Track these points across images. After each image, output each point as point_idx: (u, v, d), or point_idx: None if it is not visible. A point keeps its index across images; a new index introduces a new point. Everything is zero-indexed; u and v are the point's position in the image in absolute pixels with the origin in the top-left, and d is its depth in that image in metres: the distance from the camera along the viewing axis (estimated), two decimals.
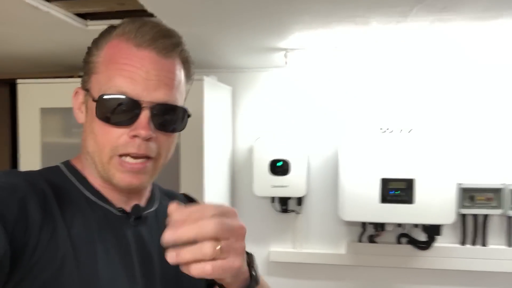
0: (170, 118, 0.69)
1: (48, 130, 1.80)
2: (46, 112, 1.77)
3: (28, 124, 1.76)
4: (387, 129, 1.78)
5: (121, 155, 0.67)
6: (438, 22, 1.26)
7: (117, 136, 0.66)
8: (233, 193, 2.01)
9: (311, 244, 1.96)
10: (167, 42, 0.67)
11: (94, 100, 0.67)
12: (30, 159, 1.75)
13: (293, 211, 1.94)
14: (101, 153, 0.68)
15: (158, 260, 0.73)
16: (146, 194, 0.80)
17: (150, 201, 0.79)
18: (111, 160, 0.67)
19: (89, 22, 1.34)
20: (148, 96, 0.65)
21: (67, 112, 1.83)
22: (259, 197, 1.94)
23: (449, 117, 1.82)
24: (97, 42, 0.71)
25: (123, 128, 0.66)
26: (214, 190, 1.74)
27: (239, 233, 0.56)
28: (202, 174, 1.59)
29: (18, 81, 1.77)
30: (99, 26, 1.33)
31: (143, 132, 0.65)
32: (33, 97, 1.76)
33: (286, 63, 1.68)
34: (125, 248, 0.70)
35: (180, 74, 0.71)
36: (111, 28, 0.71)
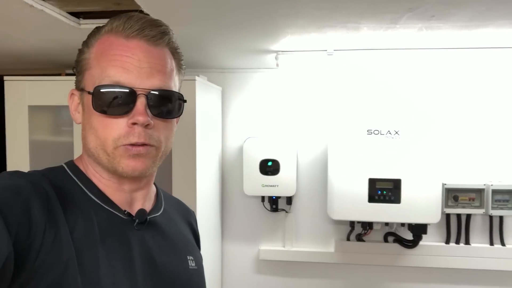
0: (166, 104, 0.69)
1: (36, 128, 1.78)
2: (34, 109, 1.75)
3: (15, 122, 1.73)
4: (375, 130, 1.82)
5: (124, 145, 0.67)
6: (426, 29, 1.30)
7: (116, 127, 0.66)
8: (224, 193, 2.03)
9: (300, 242, 1.99)
10: (155, 31, 0.68)
11: (89, 93, 0.67)
12: (17, 157, 1.73)
13: (283, 210, 1.97)
14: (105, 146, 0.67)
15: (162, 265, 0.72)
16: (152, 197, 0.79)
17: (156, 205, 0.79)
18: (115, 150, 0.67)
19: (82, 21, 1.33)
20: (142, 83, 0.66)
21: (55, 110, 1.82)
22: (249, 196, 1.96)
23: (435, 119, 1.88)
24: (87, 41, 0.72)
25: (121, 118, 0.66)
26: (205, 189, 1.76)
27: None
28: (195, 173, 1.60)
29: (6, 78, 1.74)
30: (92, 25, 1.32)
31: (141, 118, 0.65)
32: (21, 95, 1.73)
33: (277, 65, 1.70)
34: (128, 252, 0.69)
35: (172, 63, 0.72)
36: (99, 27, 0.72)
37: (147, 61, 0.67)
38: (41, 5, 1.13)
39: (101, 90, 0.66)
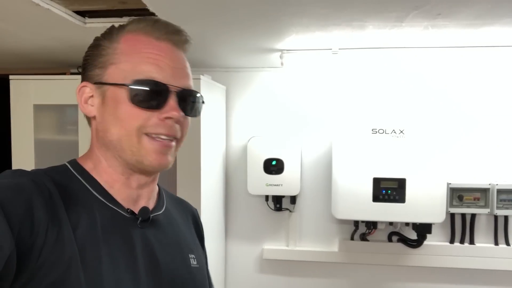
0: (192, 103, 0.74)
1: (41, 127, 1.79)
2: (39, 108, 1.76)
3: (21, 121, 1.74)
4: (380, 129, 1.82)
5: (148, 134, 0.69)
6: (432, 28, 1.30)
7: (146, 118, 0.69)
8: (228, 192, 2.03)
9: (304, 242, 1.98)
10: (181, 37, 0.73)
11: (123, 85, 0.68)
12: (23, 156, 1.74)
13: (286, 209, 1.97)
14: (130, 136, 0.69)
15: (165, 263, 0.73)
16: (154, 196, 0.80)
17: (158, 204, 0.80)
18: (141, 140, 0.69)
19: (88, 20, 1.33)
20: (175, 81, 0.70)
21: (60, 108, 1.83)
22: (253, 195, 1.96)
23: (440, 119, 1.87)
24: (107, 36, 0.72)
25: (152, 111, 0.69)
26: (209, 188, 1.76)
27: None
28: (199, 172, 1.61)
29: (11, 77, 1.75)
30: (98, 24, 1.33)
31: (176, 114, 0.69)
32: (26, 94, 1.74)
33: (282, 64, 1.70)
34: (131, 250, 0.69)
35: (189, 68, 0.76)
36: (119, 26, 0.73)
37: (177, 62, 0.72)
38: (47, 3, 1.14)
39: (137, 83, 0.68)
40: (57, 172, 0.71)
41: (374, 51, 1.62)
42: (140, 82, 0.68)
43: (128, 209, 0.72)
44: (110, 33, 0.73)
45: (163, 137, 0.70)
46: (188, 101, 0.72)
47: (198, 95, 0.75)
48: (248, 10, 1.16)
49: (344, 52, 1.62)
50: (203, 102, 0.77)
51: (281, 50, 1.64)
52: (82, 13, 1.30)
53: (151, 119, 0.69)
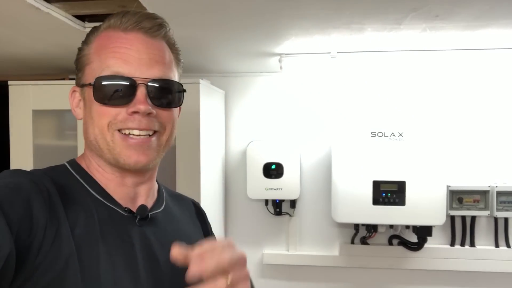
0: (167, 93, 0.70)
1: (40, 132, 1.78)
2: (38, 114, 1.76)
3: (19, 126, 1.74)
4: (379, 133, 1.82)
5: (120, 130, 0.68)
6: (430, 30, 1.31)
7: (115, 114, 0.67)
8: (227, 196, 2.02)
9: (304, 246, 1.98)
10: (152, 23, 0.70)
11: (90, 85, 0.68)
12: (21, 161, 1.73)
13: (286, 213, 1.96)
14: (103, 134, 0.68)
15: (164, 262, 0.72)
16: (154, 193, 0.79)
17: (157, 202, 0.79)
18: (113, 138, 0.68)
19: (87, 24, 1.33)
20: (142, 73, 0.67)
21: (59, 114, 1.83)
22: (252, 200, 1.96)
23: (439, 121, 1.88)
24: (86, 39, 0.73)
25: (121, 108, 0.67)
26: (209, 193, 1.75)
27: (242, 263, 0.59)
28: (199, 177, 1.60)
29: (10, 82, 1.75)
30: None
31: (142, 107, 0.66)
32: (25, 99, 1.74)
33: (281, 68, 1.71)
34: (130, 249, 0.69)
35: (170, 55, 0.73)
36: (97, 26, 0.73)
37: (146, 52, 0.68)
38: (47, 7, 1.14)
39: (101, 81, 0.67)
40: (56, 171, 0.71)
41: (373, 54, 1.63)
42: (104, 78, 0.67)
43: (126, 207, 0.72)
44: (88, 35, 0.73)
45: (135, 132, 0.68)
46: (162, 92, 0.69)
47: (174, 83, 0.72)
48: (247, 13, 1.17)
49: (342, 56, 1.62)
50: (184, 91, 0.74)
51: (280, 54, 1.64)
52: (82, 17, 1.31)
53: (120, 114, 0.67)
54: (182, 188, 1.60)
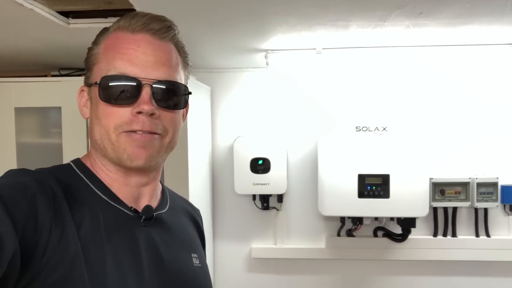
0: (171, 95, 0.71)
1: (23, 130, 1.75)
2: (21, 111, 1.72)
3: (2, 124, 1.70)
4: (363, 127, 1.86)
5: (126, 132, 0.68)
6: (413, 27, 1.34)
7: (120, 115, 0.68)
8: (214, 192, 2.03)
9: (291, 239, 2.01)
10: (160, 25, 0.71)
11: (96, 84, 0.69)
12: (4, 160, 1.70)
13: (274, 208, 1.98)
14: (108, 134, 0.68)
15: (168, 262, 0.72)
16: (158, 194, 0.80)
17: (162, 202, 0.79)
18: (119, 138, 0.68)
19: (71, 21, 1.31)
20: (148, 74, 0.68)
21: (43, 111, 1.80)
22: (240, 195, 1.97)
23: (422, 116, 1.92)
24: (96, 40, 0.74)
25: (125, 107, 0.68)
26: (197, 188, 1.76)
27: None
28: (187, 173, 1.61)
29: None
30: (81, 24, 1.31)
31: (146, 107, 0.67)
32: (7, 96, 1.70)
33: (267, 63, 1.72)
34: (135, 248, 0.69)
35: (177, 57, 0.73)
36: (108, 27, 0.74)
37: (152, 54, 0.69)
38: (30, 3, 1.12)
39: (107, 80, 0.68)
40: (61, 171, 0.71)
41: (357, 50, 1.65)
42: (110, 78, 0.68)
43: (131, 207, 0.72)
44: (97, 36, 0.74)
45: (140, 132, 0.68)
46: (167, 94, 0.70)
47: (179, 85, 0.72)
48: (234, 8, 1.17)
49: (328, 52, 1.64)
50: (189, 93, 0.74)
51: (266, 50, 1.65)
52: (66, 14, 1.29)
53: (125, 115, 0.68)
54: (170, 184, 1.59)
